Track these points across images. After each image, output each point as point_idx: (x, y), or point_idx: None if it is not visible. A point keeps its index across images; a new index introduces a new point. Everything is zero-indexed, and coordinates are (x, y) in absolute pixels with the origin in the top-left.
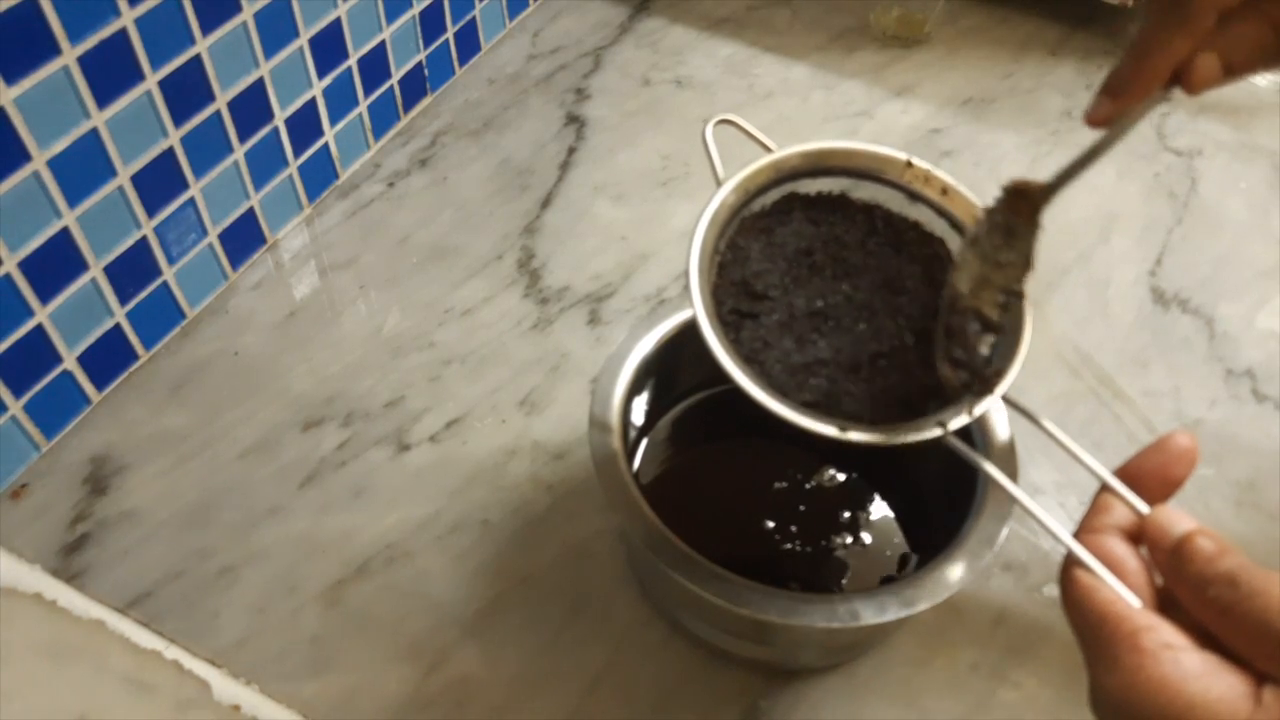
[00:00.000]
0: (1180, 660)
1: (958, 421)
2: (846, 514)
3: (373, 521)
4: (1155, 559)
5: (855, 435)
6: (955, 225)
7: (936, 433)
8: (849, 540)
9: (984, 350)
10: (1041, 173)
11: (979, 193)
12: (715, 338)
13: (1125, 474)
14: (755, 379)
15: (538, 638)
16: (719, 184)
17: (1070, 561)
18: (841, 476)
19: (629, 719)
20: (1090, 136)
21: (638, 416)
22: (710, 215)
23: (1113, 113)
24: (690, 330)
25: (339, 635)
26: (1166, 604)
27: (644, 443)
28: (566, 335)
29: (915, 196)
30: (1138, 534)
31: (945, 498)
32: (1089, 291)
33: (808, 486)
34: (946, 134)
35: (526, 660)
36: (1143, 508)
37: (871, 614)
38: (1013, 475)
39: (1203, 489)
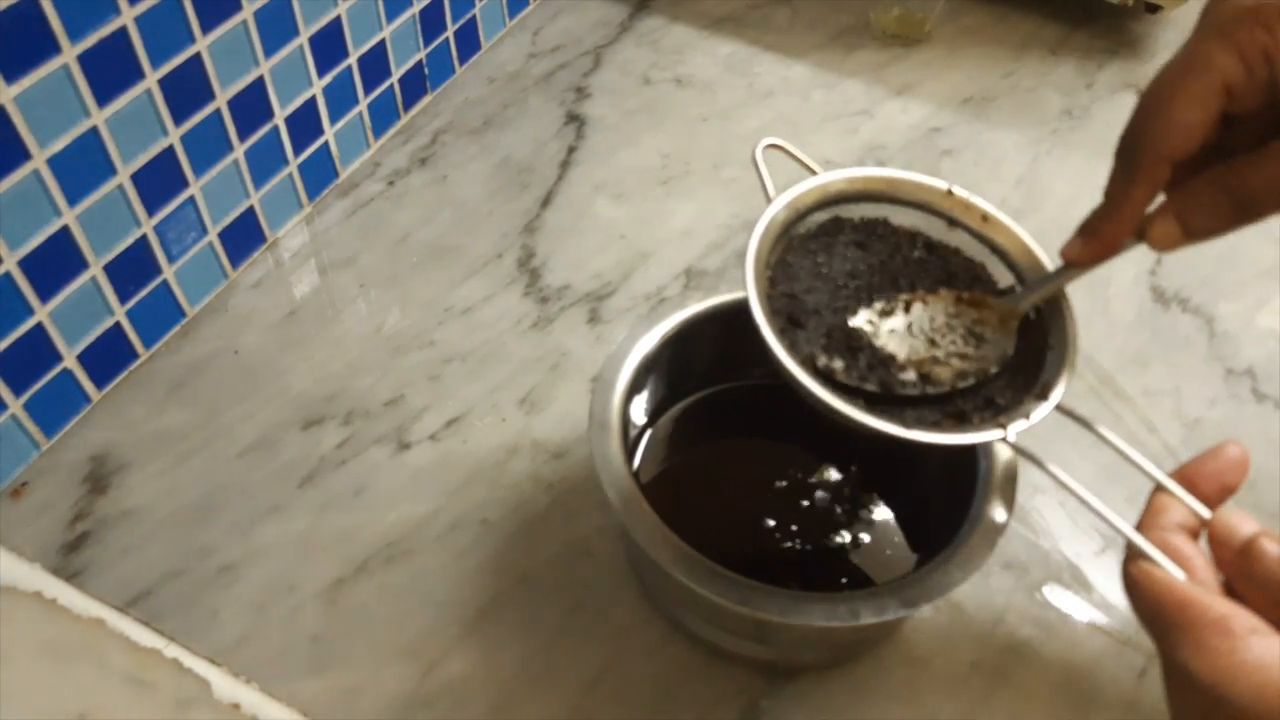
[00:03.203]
0: (1270, 643)
1: (1017, 425)
2: (847, 514)
3: (372, 520)
4: (1219, 558)
5: (919, 436)
6: (995, 250)
7: (998, 434)
8: (849, 540)
9: (905, 377)
10: (1042, 172)
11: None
12: (777, 343)
13: (1181, 476)
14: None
15: (537, 637)
16: (769, 201)
17: (1134, 554)
18: (842, 476)
19: (628, 718)
20: (1086, 137)
21: (638, 415)
22: (763, 229)
23: (1086, 254)
24: (690, 328)
25: (339, 634)
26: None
27: (644, 441)
28: (566, 334)
29: (954, 223)
30: (1194, 535)
31: (945, 498)
32: (1089, 291)
33: (808, 485)
34: (947, 133)
35: (526, 659)
36: (1201, 510)
37: (871, 613)
38: (1014, 473)
39: None
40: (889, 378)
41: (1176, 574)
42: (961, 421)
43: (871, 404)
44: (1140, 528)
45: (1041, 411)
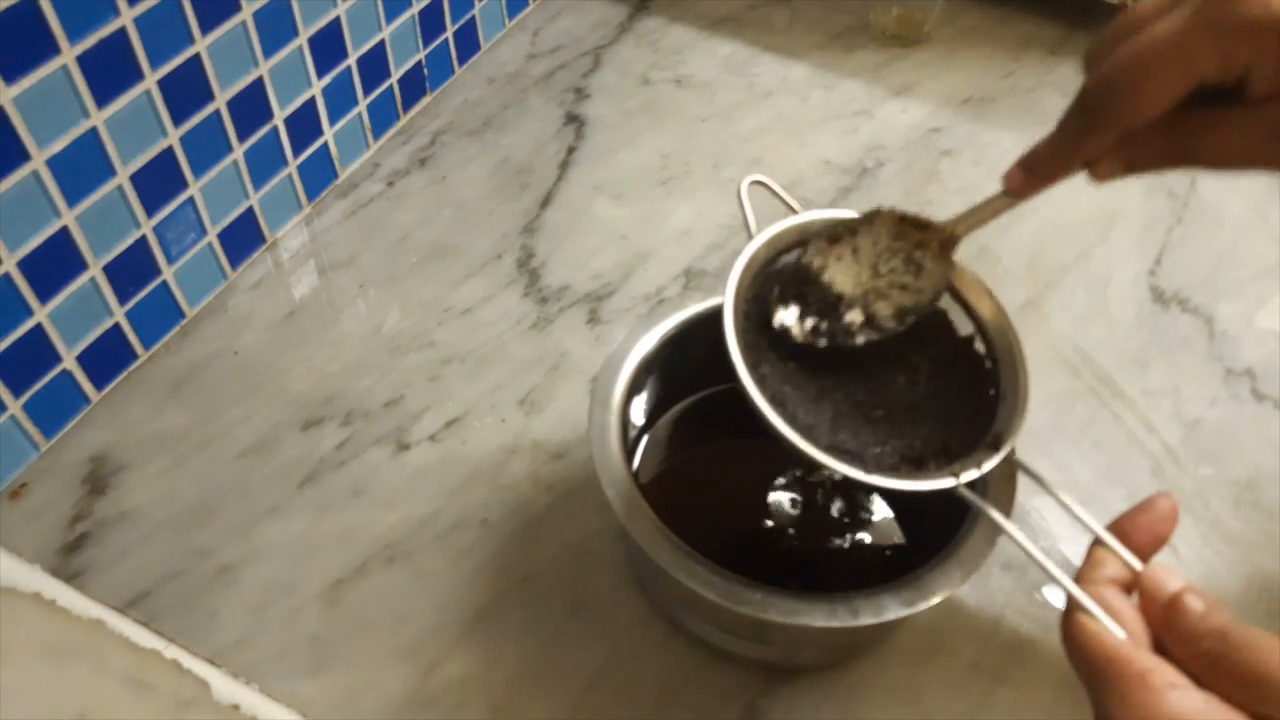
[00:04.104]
0: (1186, 697)
1: (969, 474)
2: (846, 514)
3: (372, 521)
4: (1147, 611)
5: (877, 480)
6: (956, 298)
7: (950, 482)
8: (849, 540)
9: (850, 319)
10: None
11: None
12: (751, 381)
13: (1117, 529)
14: (784, 419)
15: (537, 637)
16: (751, 237)
17: (1072, 606)
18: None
19: (628, 718)
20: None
21: (637, 416)
22: (744, 265)
23: (1026, 187)
24: (690, 329)
25: (338, 635)
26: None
27: (644, 442)
28: (566, 334)
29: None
30: (1130, 586)
31: (945, 497)
32: (1088, 290)
33: (808, 485)
34: (946, 133)
35: (526, 660)
36: (1134, 562)
37: (871, 614)
38: (1014, 473)
39: (1202, 488)
40: (836, 327)
41: (1113, 627)
42: (919, 467)
43: (836, 429)
44: (1079, 579)
45: (992, 462)
